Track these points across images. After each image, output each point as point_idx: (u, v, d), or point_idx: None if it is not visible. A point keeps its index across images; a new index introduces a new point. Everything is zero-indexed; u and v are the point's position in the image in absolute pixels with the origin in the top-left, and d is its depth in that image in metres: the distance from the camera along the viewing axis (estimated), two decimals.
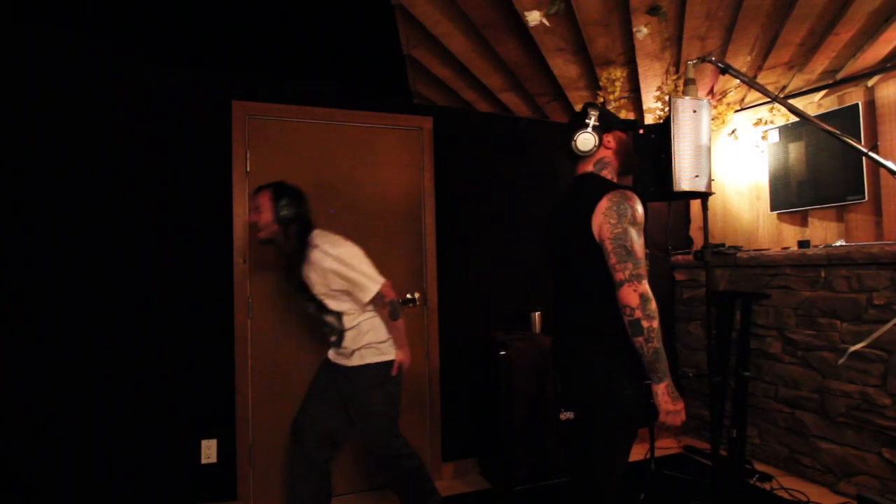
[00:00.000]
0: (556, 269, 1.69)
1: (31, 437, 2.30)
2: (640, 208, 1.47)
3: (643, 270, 1.43)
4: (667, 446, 3.39)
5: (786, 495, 2.64)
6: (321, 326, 2.22)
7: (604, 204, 1.47)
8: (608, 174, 1.65)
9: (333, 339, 2.19)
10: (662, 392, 1.43)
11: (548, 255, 1.76)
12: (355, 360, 2.12)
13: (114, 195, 2.47)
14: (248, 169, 2.69)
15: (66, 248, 2.38)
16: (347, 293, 2.10)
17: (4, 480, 2.25)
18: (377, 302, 2.13)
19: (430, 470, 2.97)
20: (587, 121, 1.64)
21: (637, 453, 3.14)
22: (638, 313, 1.41)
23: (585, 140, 1.63)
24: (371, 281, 2.08)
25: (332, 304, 2.11)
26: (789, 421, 2.91)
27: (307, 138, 2.82)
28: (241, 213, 2.66)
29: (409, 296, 2.97)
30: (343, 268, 2.05)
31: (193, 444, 2.56)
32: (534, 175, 3.34)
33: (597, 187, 1.54)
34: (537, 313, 3.10)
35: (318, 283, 2.08)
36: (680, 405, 1.44)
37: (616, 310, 1.46)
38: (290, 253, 2.11)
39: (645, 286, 1.42)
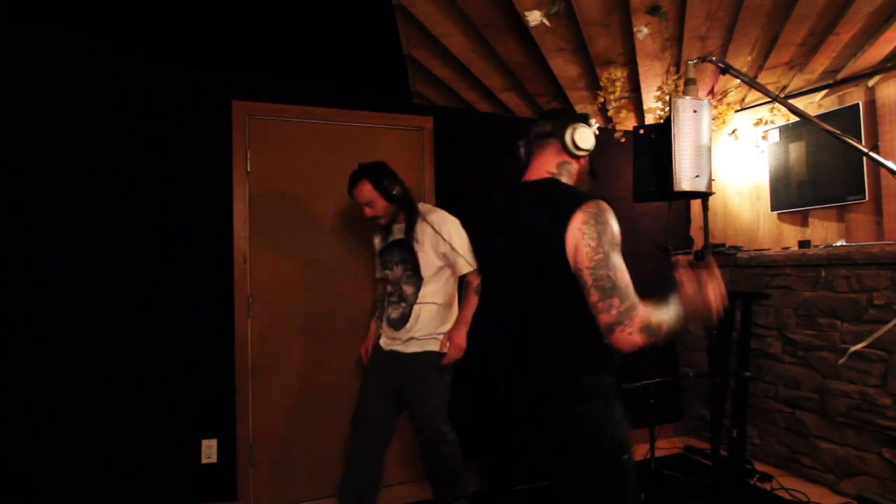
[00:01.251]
0: (508, 297, 1.35)
1: (31, 437, 2.30)
2: (616, 224, 1.20)
3: (632, 299, 1.13)
4: (667, 446, 3.39)
5: (786, 495, 2.64)
6: (391, 298, 2.30)
7: (579, 219, 1.15)
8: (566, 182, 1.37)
9: (395, 315, 2.24)
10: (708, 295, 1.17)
11: (491, 277, 1.44)
12: (413, 347, 2.20)
13: (114, 195, 2.47)
14: (248, 169, 2.69)
15: (66, 248, 2.38)
16: (446, 261, 2.22)
17: (4, 480, 2.25)
18: (466, 280, 2.25)
19: None
20: (590, 121, 1.40)
21: (637, 453, 3.14)
22: (651, 343, 1.14)
23: (587, 137, 1.36)
24: (472, 258, 2.24)
25: (425, 270, 2.20)
26: (789, 421, 2.90)
27: (307, 138, 2.82)
28: (241, 212, 2.66)
29: None
30: (458, 236, 2.22)
31: (193, 444, 2.55)
32: None
33: (567, 195, 1.24)
34: None
35: (427, 243, 2.19)
36: (713, 275, 1.19)
37: (599, 341, 1.18)
38: (398, 221, 2.27)
39: (638, 318, 1.11)
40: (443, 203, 3.06)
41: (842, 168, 2.82)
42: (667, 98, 2.83)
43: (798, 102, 3.01)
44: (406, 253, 2.24)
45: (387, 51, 2.60)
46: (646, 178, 2.54)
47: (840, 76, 2.79)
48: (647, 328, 1.11)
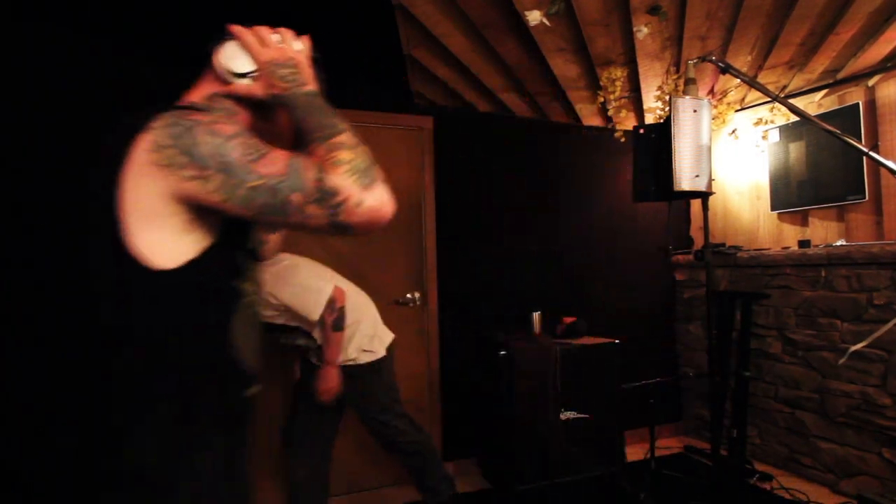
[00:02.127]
0: None
1: (32, 437, 2.30)
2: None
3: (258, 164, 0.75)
4: (667, 446, 3.39)
5: (786, 495, 2.64)
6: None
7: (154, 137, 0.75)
8: None
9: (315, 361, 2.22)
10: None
11: None
12: (350, 361, 2.18)
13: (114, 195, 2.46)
14: None
15: (65, 248, 2.38)
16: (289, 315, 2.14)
17: (4, 480, 2.25)
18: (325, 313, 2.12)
19: None
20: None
21: (637, 453, 3.14)
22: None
23: (236, 56, 0.93)
24: (314, 305, 2.12)
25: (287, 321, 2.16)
26: (789, 421, 2.90)
27: None
28: None
29: (408, 295, 2.97)
30: (292, 286, 2.13)
31: None
32: (534, 175, 3.34)
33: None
34: (537, 313, 3.10)
35: (269, 303, 2.13)
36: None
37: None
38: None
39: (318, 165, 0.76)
40: (443, 203, 3.06)
41: (842, 168, 2.82)
42: (667, 98, 2.83)
43: (798, 102, 3.01)
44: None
45: (387, 51, 2.60)
46: (646, 178, 2.55)
47: (840, 76, 2.79)
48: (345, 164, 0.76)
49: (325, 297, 2.04)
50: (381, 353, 2.22)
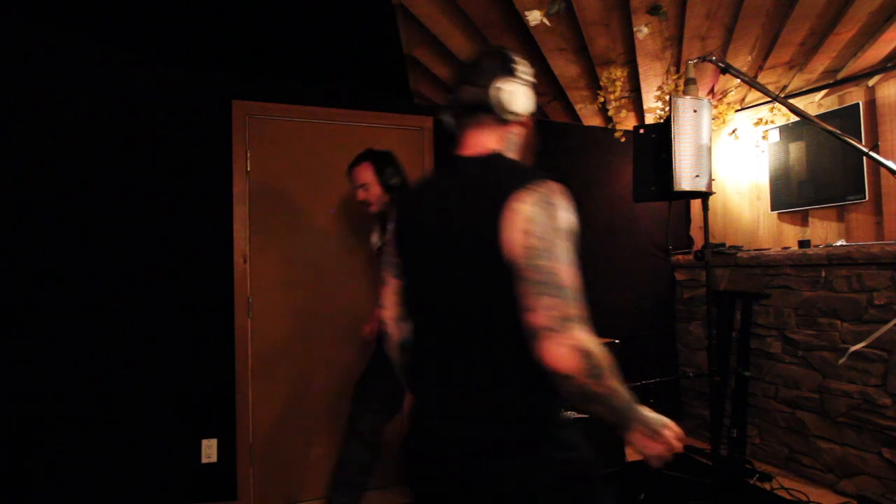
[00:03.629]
0: (422, 304, 1.05)
1: (32, 437, 2.30)
2: (570, 213, 0.95)
3: (576, 308, 0.88)
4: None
5: (786, 495, 2.64)
6: None
7: (520, 199, 0.90)
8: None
9: None
10: (638, 438, 0.95)
11: (407, 276, 1.12)
12: None
13: (114, 195, 2.47)
14: (248, 168, 2.69)
15: (65, 248, 2.38)
16: None
17: (4, 480, 2.25)
18: None
19: None
20: (515, 67, 1.08)
21: (637, 453, 3.14)
22: (581, 379, 0.85)
23: (516, 95, 1.05)
24: None
25: None
26: (789, 421, 2.90)
27: (307, 138, 2.82)
28: (241, 212, 2.66)
29: None
30: None
31: (193, 443, 2.55)
32: None
33: (510, 171, 0.99)
34: None
35: None
36: (665, 434, 0.95)
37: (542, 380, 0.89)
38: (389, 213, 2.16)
39: (577, 335, 0.86)
40: None
41: (842, 168, 2.82)
42: (667, 98, 2.83)
43: (798, 102, 3.01)
44: None
45: (387, 51, 2.60)
46: (646, 178, 2.55)
47: (840, 76, 2.79)
48: (585, 353, 0.85)
49: None
50: None
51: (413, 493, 1.07)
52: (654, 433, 0.95)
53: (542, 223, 0.89)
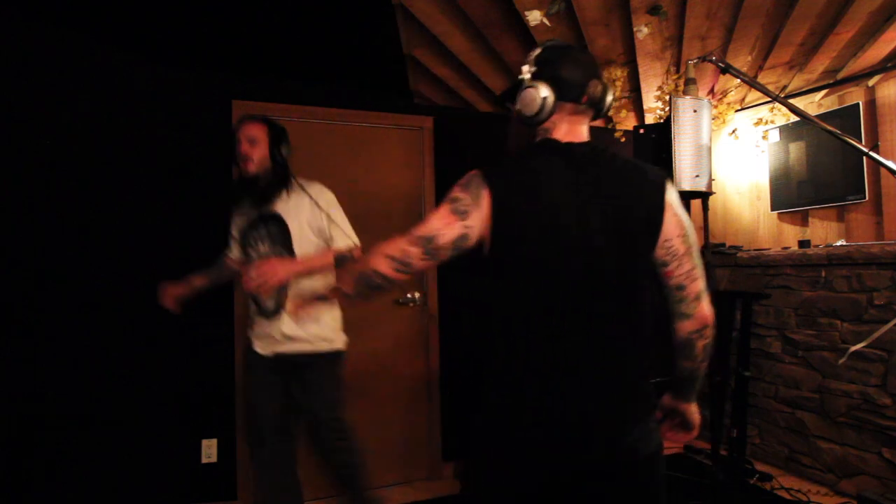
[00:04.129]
0: (575, 286, 1.05)
1: (32, 437, 2.30)
2: None
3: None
4: (667, 446, 3.38)
5: (786, 495, 2.63)
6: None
7: (671, 189, 1.11)
8: None
9: (271, 304, 2.02)
10: (694, 409, 1.28)
11: (542, 264, 1.06)
12: (300, 347, 2.00)
13: (114, 195, 2.47)
14: None
15: (65, 248, 2.38)
16: (323, 237, 2.04)
17: (4, 480, 2.25)
18: (344, 258, 2.02)
19: (430, 470, 2.98)
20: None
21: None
22: (713, 332, 1.16)
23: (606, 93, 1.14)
24: (352, 234, 2.08)
25: (299, 248, 2.01)
26: (789, 421, 2.90)
27: (307, 138, 2.82)
28: None
29: (409, 295, 2.97)
30: (337, 208, 2.07)
31: (193, 443, 2.55)
32: None
33: (642, 166, 1.13)
34: None
35: (304, 216, 2.02)
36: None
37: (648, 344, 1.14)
38: (266, 188, 2.02)
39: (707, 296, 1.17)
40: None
41: (842, 168, 2.82)
42: (667, 98, 2.83)
43: (798, 102, 3.01)
44: (276, 228, 2.02)
45: (387, 51, 2.60)
46: None
47: (840, 76, 2.79)
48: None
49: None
50: (343, 346, 2.11)
51: (531, 481, 1.05)
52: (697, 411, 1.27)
53: (682, 211, 1.11)
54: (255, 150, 2.02)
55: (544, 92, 1.07)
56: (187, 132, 2.61)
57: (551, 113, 1.09)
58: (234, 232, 2.19)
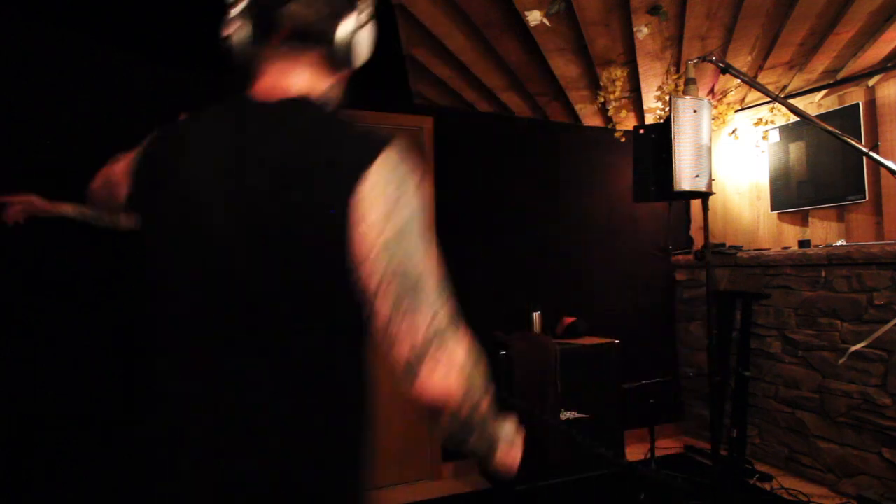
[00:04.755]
0: (195, 310, 0.74)
1: (30, 436, 2.30)
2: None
3: (447, 307, 0.71)
4: (667, 446, 3.39)
5: (786, 495, 2.63)
6: None
7: (378, 172, 0.68)
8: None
9: None
10: (504, 453, 0.79)
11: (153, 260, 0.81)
12: None
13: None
14: None
15: (65, 248, 2.38)
16: None
17: (4, 480, 2.25)
18: None
19: (430, 470, 2.98)
20: (363, 4, 0.82)
21: (637, 453, 3.14)
22: (465, 409, 0.68)
23: (366, 40, 0.85)
24: None
25: None
26: (789, 421, 2.90)
27: None
28: None
29: None
30: None
31: None
32: (534, 175, 3.34)
33: (352, 132, 0.73)
34: (537, 313, 3.10)
35: None
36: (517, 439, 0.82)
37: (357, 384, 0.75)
38: None
39: (458, 345, 0.68)
40: (443, 203, 3.06)
41: (842, 168, 2.82)
42: (667, 98, 2.83)
43: (798, 102, 3.01)
44: None
45: (387, 51, 2.60)
46: (646, 178, 2.55)
47: (840, 76, 2.79)
48: (465, 369, 0.67)
49: None
50: None
51: None
52: (512, 442, 0.81)
53: (394, 199, 0.68)
54: None
55: (230, 28, 0.78)
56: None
57: (250, 57, 0.80)
58: None
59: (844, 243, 2.69)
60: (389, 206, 0.67)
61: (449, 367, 0.65)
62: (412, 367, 0.65)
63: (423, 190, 0.74)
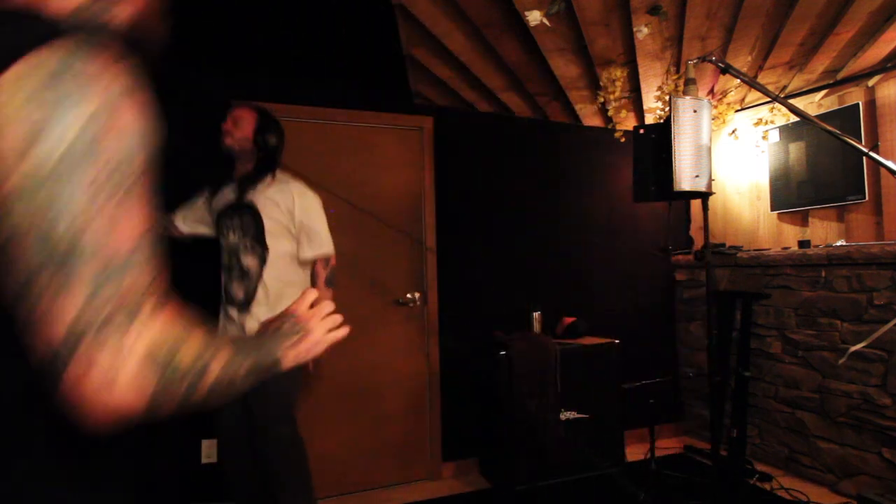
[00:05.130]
0: None
1: None
2: (139, 119, 0.57)
3: (133, 284, 0.51)
4: (667, 446, 3.38)
5: (786, 495, 2.64)
6: (231, 273, 1.99)
7: (17, 80, 0.46)
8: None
9: (241, 295, 1.96)
10: (292, 356, 0.73)
11: None
12: None
13: None
14: None
15: None
16: (294, 238, 2.02)
17: None
18: (320, 264, 2.05)
19: (430, 470, 2.98)
20: None
21: (637, 453, 3.14)
22: (150, 402, 0.52)
23: None
24: (330, 240, 2.07)
25: (272, 240, 1.97)
26: (789, 421, 2.90)
27: (307, 138, 2.82)
28: None
29: (408, 296, 2.97)
30: (317, 212, 2.05)
31: (193, 444, 2.55)
32: (534, 175, 3.34)
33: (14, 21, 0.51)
34: (537, 313, 3.10)
35: (278, 211, 1.98)
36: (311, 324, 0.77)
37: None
38: (247, 174, 2.02)
39: (143, 331, 0.50)
40: (443, 203, 3.06)
41: (842, 168, 2.82)
42: (667, 98, 2.83)
43: (798, 102, 3.01)
44: (249, 219, 1.99)
45: (387, 51, 2.61)
46: (646, 178, 2.55)
47: (840, 76, 2.79)
48: (157, 358, 0.51)
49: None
50: None
51: None
52: (295, 338, 0.73)
53: (40, 120, 0.47)
54: (237, 129, 2.02)
55: None
56: (186, 132, 2.60)
57: None
58: (206, 212, 2.17)
59: (844, 243, 2.69)
60: (28, 135, 0.46)
61: (116, 368, 0.47)
62: (53, 367, 0.46)
63: (125, 124, 0.53)
